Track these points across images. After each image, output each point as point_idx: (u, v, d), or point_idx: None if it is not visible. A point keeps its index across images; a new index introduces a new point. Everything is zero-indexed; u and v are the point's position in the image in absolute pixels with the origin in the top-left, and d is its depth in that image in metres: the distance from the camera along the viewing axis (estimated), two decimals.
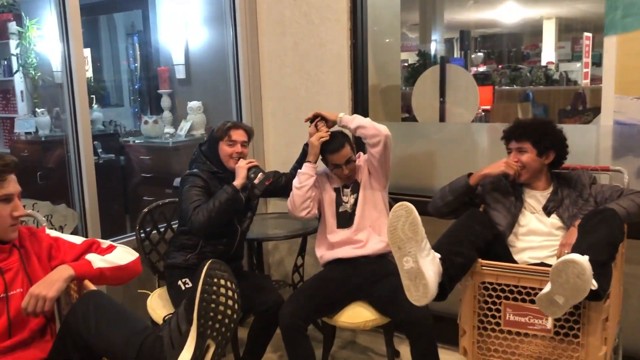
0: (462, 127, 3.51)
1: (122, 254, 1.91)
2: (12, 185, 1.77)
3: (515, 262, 2.25)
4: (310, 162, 2.68)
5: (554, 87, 7.42)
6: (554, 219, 2.32)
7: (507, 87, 7.47)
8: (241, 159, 2.65)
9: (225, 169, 2.69)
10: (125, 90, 5.73)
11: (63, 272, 1.72)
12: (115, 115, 5.13)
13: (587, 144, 2.94)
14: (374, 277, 2.58)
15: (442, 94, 3.59)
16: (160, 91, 3.98)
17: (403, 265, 1.92)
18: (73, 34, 2.71)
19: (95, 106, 5.04)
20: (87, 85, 2.77)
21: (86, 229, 2.89)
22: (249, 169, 2.60)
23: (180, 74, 3.93)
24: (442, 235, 2.17)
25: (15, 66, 4.08)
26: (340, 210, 2.74)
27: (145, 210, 2.84)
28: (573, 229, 2.15)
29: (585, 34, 7.87)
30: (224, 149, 2.66)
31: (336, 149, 2.67)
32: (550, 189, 2.38)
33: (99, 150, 4.29)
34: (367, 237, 2.69)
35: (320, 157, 2.73)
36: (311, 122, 2.73)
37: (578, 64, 8.44)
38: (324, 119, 2.74)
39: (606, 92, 2.73)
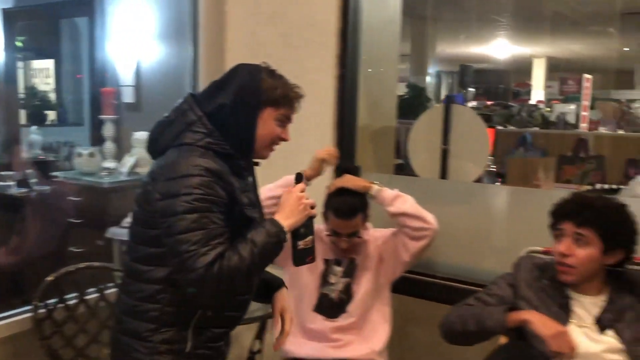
0: (473, 189, 2.83)
1: None
2: None
3: None
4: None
5: (552, 130, 6.84)
6: (611, 337, 1.65)
7: (502, 128, 6.84)
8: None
9: (246, 152, 1.54)
10: (86, 106, 5.00)
11: None
12: (72, 135, 4.30)
13: None
14: None
15: (446, 141, 2.93)
16: (102, 117, 3.22)
17: None
18: None
19: (33, 127, 4.29)
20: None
21: None
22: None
23: (129, 97, 3.21)
24: None
25: None
26: (323, 291, 2.06)
27: (50, 278, 2.07)
28: None
29: (586, 75, 7.35)
30: (270, 126, 1.52)
31: (344, 214, 1.98)
32: (606, 294, 1.71)
33: (32, 181, 3.56)
34: (350, 340, 2.00)
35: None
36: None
37: (572, 106, 7.93)
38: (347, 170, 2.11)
39: None
